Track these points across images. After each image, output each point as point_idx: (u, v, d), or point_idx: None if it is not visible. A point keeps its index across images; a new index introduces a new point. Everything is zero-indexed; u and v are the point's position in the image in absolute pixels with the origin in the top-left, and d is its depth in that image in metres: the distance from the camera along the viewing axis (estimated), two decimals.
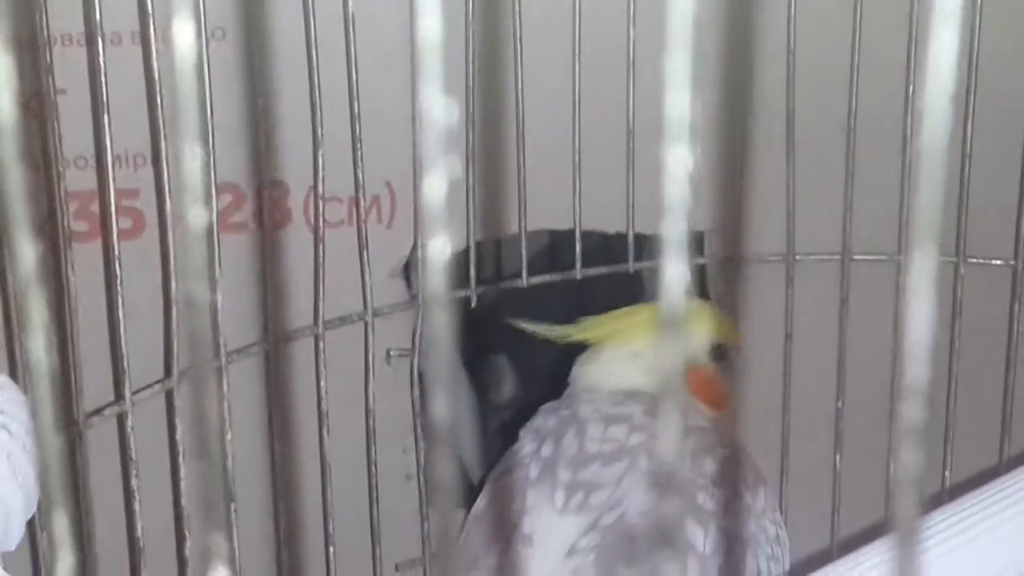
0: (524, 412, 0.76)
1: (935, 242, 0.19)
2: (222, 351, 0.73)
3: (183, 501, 0.72)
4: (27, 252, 0.22)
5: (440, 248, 0.19)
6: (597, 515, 0.70)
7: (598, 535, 0.69)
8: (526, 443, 0.74)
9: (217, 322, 0.73)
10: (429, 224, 0.19)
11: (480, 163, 0.78)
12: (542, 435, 0.74)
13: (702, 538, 0.68)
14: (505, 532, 0.70)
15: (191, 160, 0.21)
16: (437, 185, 0.19)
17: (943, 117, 0.20)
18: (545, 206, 0.81)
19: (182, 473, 0.72)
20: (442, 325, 0.19)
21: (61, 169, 0.66)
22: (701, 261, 0.85)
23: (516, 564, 0.68)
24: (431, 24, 0.19)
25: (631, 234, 0.82)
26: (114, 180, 0.68)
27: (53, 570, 0.24)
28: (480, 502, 0.75)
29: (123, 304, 0.69)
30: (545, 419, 0.75)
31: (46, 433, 0.23)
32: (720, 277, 0.83)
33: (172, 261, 0.71)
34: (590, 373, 0.77)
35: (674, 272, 0.18)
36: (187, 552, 0.74)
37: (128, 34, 0.74)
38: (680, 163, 0.18)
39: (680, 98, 0.18)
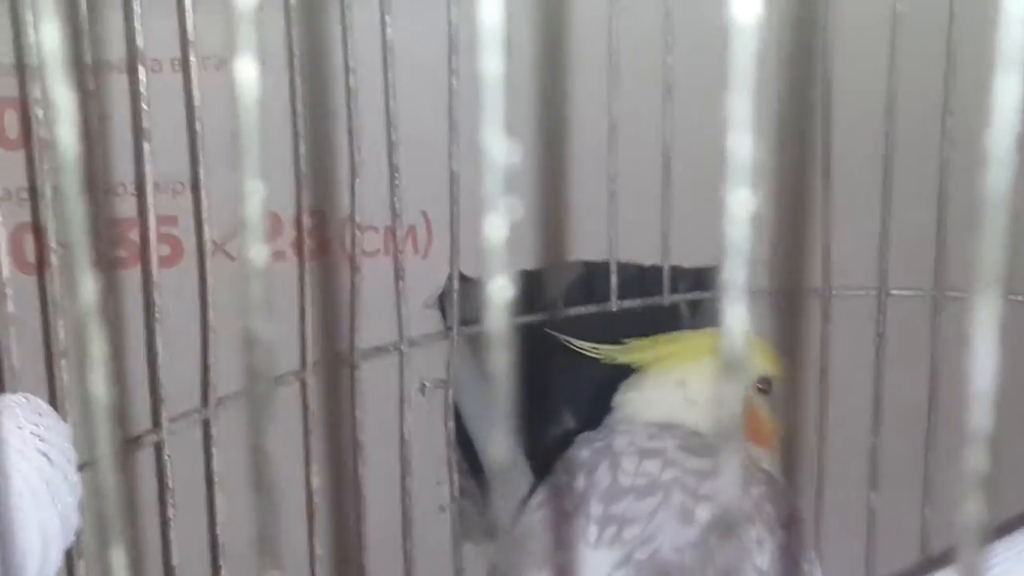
0: (562, 441, 0.76)
1: (998, 288, 0.19)
2: None
3: (218, 530, 0.72)
4: (88, 285, 0.22)
5: (501, 288, 0.19)
6: (630, 549, 0.69)
7: (632, 570, 0.69)
8: (560, 475, 0.74)
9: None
10: (490, 264, 0.19)
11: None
12: (576, 467, 0.74)
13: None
14: (536, 564, 0.70)
15: (252, 196, 0.21)
16: (498, 225, 0.19)
17: (1006, 161, 0.20)
18: (581, 237, 0.81)
19: (218, 503, 0.72)
20: (504, 364, 0.19)
21: (103, 196, 0.66)
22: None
23: None
24: (494, 62, 0.19)
25: (666, 266, 0.82)
26: (151, 207, 0.68)
27: None
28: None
29: (161, 332, 0.69)
30: (579, 450, 0.75)
31: (104, 467, 0.23)
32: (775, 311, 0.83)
33: (209, 289, 0.71)
34: (633, 401, 0.77)
35: (735, 313, 0.18)
36: None
37: (168, 61, 0.74)
38: (742, 205, 0.18)
39: (743, 140, 0.18)
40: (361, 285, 0.76)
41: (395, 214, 0.76)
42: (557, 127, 0.75)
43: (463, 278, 0.80)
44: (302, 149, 0.73)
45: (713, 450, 0.70)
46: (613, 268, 0.81)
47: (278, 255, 0.79)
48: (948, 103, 0.78)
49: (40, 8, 0.20)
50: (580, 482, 0.73)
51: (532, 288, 0.95)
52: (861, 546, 0.83)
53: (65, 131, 0.22)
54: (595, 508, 0.71)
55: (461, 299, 0.80)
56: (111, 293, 0.61)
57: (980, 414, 0.18)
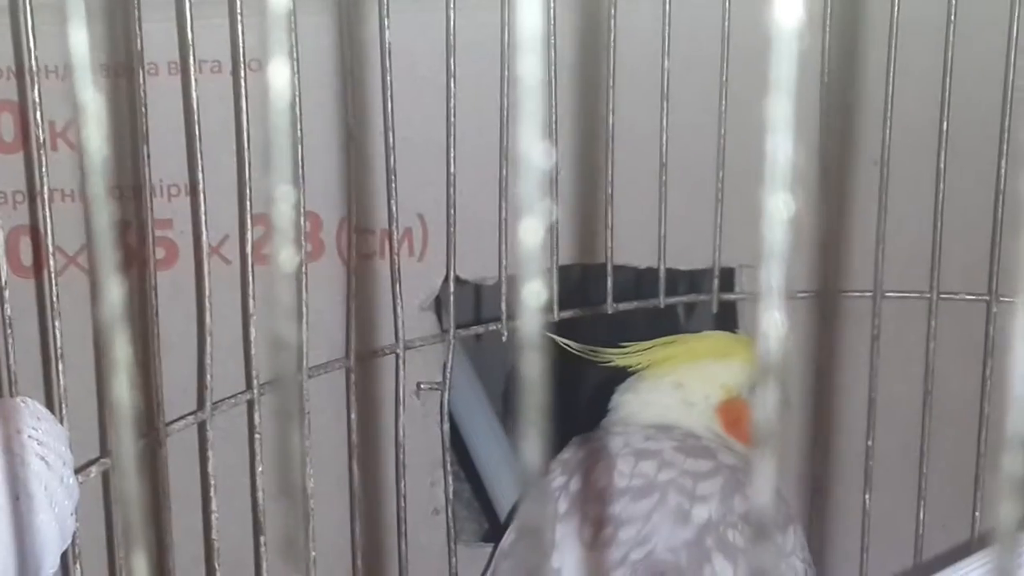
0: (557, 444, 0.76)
1: None
2: (255, 383, 0.73)
3: (214, 535, 0.72)
4: (113, 290, 0.22)
5: (536, 292, 0.19)
6: (626, 551, 0.69)
7: (627, 570, 0.69)
8: (556, 476, 0.74)
9: (250, 355, 0.73)
10: (525, 268, 0.19)
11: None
12: (571, 468, 0.74)
13: (731, 574, 0.68)
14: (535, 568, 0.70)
15: (284, 201, 0.21)
16: (534, 229, 0.19)
17: None
18: (579, 240, 0.81)
19: (214, 506, 0.72)
20: (537, 368, 0.19)
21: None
22: (732, 297, 0.84)
23: None
24: (531, 64, 0.19)
25: (662, 269, 0.82)
26: (151, 210, 0.68)
27: None
28: (508, 537, 0.75)
29: (159, 335, 0.69)
30: (575, 452, 0.75)
31: (127, 473, 0.23)
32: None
33: (206, 292, 0.71)
34: (629, 403, 0.77)
35: (772, 318, 0.18)
36: None
37: (165, 64, 0.74)
38: (781, 209, 0.18)
39: (783, 143, 0.18)
40: (357, 288, 0.76)
41: (392, 216, 0.76)
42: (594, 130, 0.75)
43: (459, 281, 0.80)
44: (300, 152, 0.73)
45: (709, 452, 0.70)
46: (609, 271, 0.81)
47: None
48: (946, 100, 0.78)
49: (70, 12, 0.20)
50: (575, 484, 0.73)
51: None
52: (857, 547, 0.83)
53: (93, 135, 0.22)
54: (592, 508, 0.71)
55: (456, 302, 0.80)
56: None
57: (1019, 418, 0.18)
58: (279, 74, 0.20)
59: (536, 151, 0.19)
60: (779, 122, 0.18)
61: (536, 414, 0.20)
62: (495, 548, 0.77)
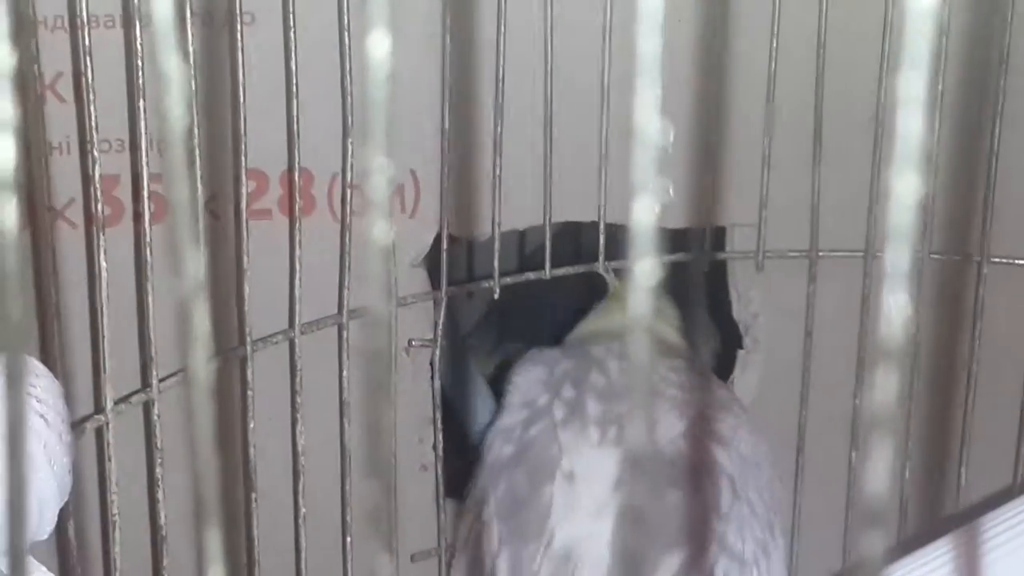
0: None
1: None
2: (248, 339, 0.72)
3: (161, 520, 0.70)
4: (194, 260, 0.21)
5: (649, 273, 0.19)
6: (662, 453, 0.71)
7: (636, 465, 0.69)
8: (538, 396, 0.74)
9: (244, 311, 0.72)
10: (638, 248, 0.19)
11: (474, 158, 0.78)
12: (555, 381, 0.74)
13: (726, 459, 0.72)
14: (546, 473, 0.70)
15: (379, 174, 0.20)
16: (648, 207, 0.19)
17: None
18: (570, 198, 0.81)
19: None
20: (645, 349, 0.19)
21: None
22: (723, 256, 0.84)
23: (564, 501, 0.69)
24: (652, 42, 0.18)
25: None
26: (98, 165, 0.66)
27: None
28: (503, 450, 0.74)
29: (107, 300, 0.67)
30: (553, 366, 0.75)
31: (203, 450, 0.22)
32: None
33: (148, 255, 0.69)
34: (594, 322, 0.79)
35: (896, 303, 0.18)
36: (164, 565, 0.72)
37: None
38: (910, 190, 0.18)
39: (914, 122, 0.17)
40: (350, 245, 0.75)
41: (390, 185, 0.75)
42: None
43: (451, 238, 0.80)
44: (295, 107, 0.72)
45: (679, 352, 0.72)
46: (602, 229, 0.80)
47: (264, 213, 0.78)
48: (943, 62, 0.78)
49: None
50: (568, 391, 0.73)
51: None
52: (842, 504, 0.84)
53: (175, 105, 0.21)
54: (592, 410, 0.72)
55: (448, 259, 0.80)
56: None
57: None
58: (379, 45, 0.19)
59: (652, 127, 0.18)
60: (911, 100, 0.17)
61: (643, 399, 0.19)
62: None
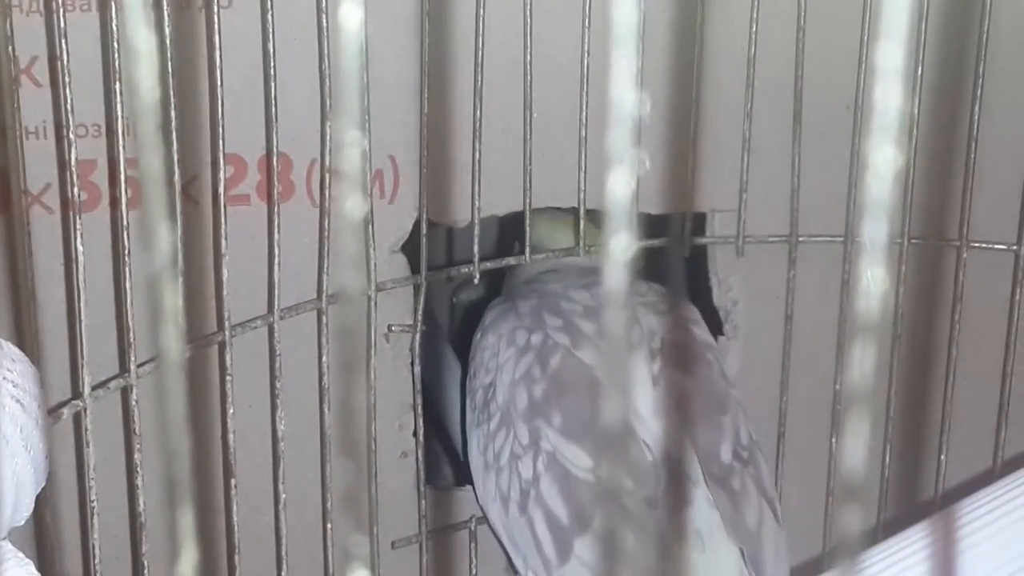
0: None
1: None
2: (227, 325, 0.72)
3: (140, 507, 0.70)
4: (164, 235, 0.21)
5: (624, 246, 0.19)
6: (647, 345, 0.74)
7: (658, 360, 0.73)
8: (526, 338, 0.75)
9: (223, 296, 0.72)
10: (614, 220, 0.19)
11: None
12: (530, 320, 0.75)
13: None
14: (596, 390, 0.72)
15: (353, 147, 0.20)
16: (625, 180, 0.18)
17: None
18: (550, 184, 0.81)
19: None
20: (620, 326, 0.19)
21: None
22: (704, 241, 0.84)
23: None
24: (628, 11, 0.18)
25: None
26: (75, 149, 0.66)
27: (176, 566, 0.23)
28: (533, 391, 0.75)
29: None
30: (520, 312, 0.77)
31: (176, 432, 0.22)
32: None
33: (125, 240, 0.68)
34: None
35: (874, 276, 0.18)
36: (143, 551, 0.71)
37: None
38: (887, 162, 0.17)
39: (893, 93, 0.17)
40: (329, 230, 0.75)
41: (363, 158, 0.75)
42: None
43: (430, 223, 0.79)
44: (272, 91, 0.72)
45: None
46: (581, 214, 0.80)
47: (241, 199, 0.77)
48: (922, 46, 0.78)
49: None
50: (554, 321, 0.76)
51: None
52: (822, 489, 0.84)
53: (145, 75, 0.21)
54: (587, 328, 0.74)
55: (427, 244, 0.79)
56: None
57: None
58: (351, 16, 0.19)
59: (629, 99, 0.18)
60: (889, 71, 0.17)
61: (618, 371, 0.19)
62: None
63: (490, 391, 0.76)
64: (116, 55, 0.65)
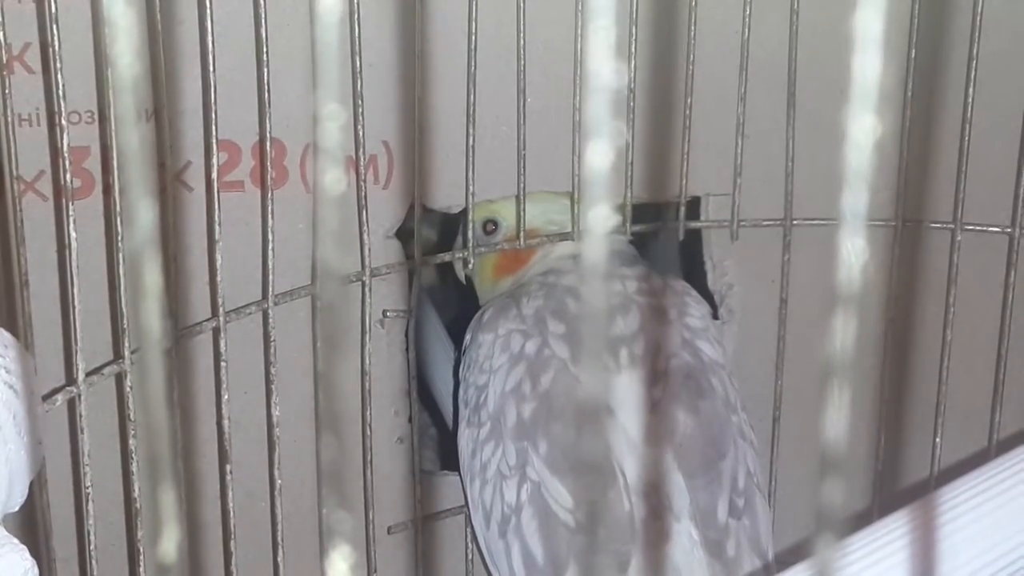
0: None
1: None
2: (221, 311, 0.72)
3: (135, 493, 0.70)
4: (145, 212, 0.21)
5: (603, 218, 0.19)
6: (648, 364, 0.74)
7: (661, 386, 0.73)
8: (522, 344, 0.74)
9: (217, 282, 0.72)
10: (592, 192, 0.18)
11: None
12: (533, 323, 0.74)
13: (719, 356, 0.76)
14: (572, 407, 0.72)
15: (331, 121, 0.20)
16: (603, 151, 0.18)
17: None
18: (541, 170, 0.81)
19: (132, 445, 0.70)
20: (600, 296, 0.19)
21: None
22: (698, 225, 0.84)
23: (616, 437, 0.71)
24: None
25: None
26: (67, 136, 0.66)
27: (157, 544, 0.23)
28: (522, 408, 0.74)
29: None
30: (522, 312, 0.76)
31: (159, 412, 0.22)
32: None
33: (118, 226, 0.68)
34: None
35: (854, 247, 0.18)
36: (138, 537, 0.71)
37: None
38: (866, 132, 0.17)
39: (871, 62, 0.17)
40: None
41: (359, 143, 0.75)
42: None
43: (424, 209, 0.79)
44: (266, 77, 0.71)
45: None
46: (575, 198, 0.80)
47: (235, 184, 0.77)
48: (913, 31, 0.78)
49: None
50: (556, 327, 0.74)
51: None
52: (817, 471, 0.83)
53: (124, 51, 0.21)
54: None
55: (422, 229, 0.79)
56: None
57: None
58: None
59: (607, 70, 0.18)
60: (867, 40, 0.17)
61: (597, 342, 0.19)
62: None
63: (483, 394, 0.75)
64: (57, 43, 0.65)
